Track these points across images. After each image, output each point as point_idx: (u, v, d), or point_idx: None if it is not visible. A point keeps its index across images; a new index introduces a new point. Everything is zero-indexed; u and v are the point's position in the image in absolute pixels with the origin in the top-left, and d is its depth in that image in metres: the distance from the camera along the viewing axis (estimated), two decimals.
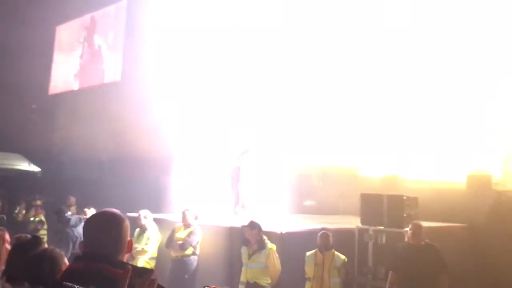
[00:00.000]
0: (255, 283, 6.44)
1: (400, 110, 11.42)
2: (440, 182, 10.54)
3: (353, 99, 11.99)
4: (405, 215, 7.34)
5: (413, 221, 6.57)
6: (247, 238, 6.62)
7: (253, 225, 6.63)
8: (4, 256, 2.95)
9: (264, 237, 6.59)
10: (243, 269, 6.60)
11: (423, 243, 6.21)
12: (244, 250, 6.63)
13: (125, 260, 2.12)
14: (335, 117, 12.02)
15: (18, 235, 2.88)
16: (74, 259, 2.12)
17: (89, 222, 2.18)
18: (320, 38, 12.29)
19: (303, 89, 12.29)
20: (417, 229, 6.26)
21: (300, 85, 12.33)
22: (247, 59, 12.71)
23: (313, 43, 12.33)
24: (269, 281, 6.47)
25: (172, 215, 8.95)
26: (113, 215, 2.18)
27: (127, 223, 2.20)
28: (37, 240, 2.72)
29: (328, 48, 12.23)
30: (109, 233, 2.10)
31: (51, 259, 2.38)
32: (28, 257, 2.39)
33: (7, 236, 3.04)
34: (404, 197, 7.55)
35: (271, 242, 6.63)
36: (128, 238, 2.17)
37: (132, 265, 2.05)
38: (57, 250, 2.41)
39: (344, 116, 11.96)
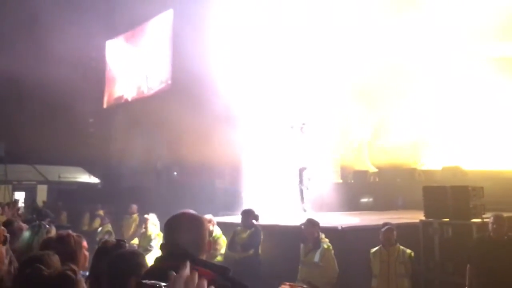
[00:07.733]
0: (309, 282, 6.29)
1: (458, 100, 11.10)
2: (504, 171, 10.11)
3: (412, 91, 11.75)
4: (471, 206, 7.04)
5: (495, 213, 6.01)
6: (305, 236, 6.54)
7: (313, 222, 6.54)
8: (83, 261, 3.07)
9: (322, 235, 6.45)
10: (299, 267, 6.52)
11: (505, 237, 5.74)
12: (302, 248, 6.55)
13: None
14: (392, 110, 11.80)
15: (104, 240, 2.99)
16: (156, 259, 2.16)
17: (170, 223, 2.18)
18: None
19: (366, 85, 12.14)
20: (500, 221, 5.76)
21: (362, 84, 12.19)
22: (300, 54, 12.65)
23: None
24: (325, 281, 6.29)
25: (232, 218, 9.00)
26: (194, 216, 2.20)
27: (207, 224, 2.23)
28: (121, 243, 2.80)
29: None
30: (191, 233, 2.13)
31: (132, 258, 2.44)
32: (111, 257, 2.45)
33: (84, 243, 3.16)
34: (469, 188, 7.25)
35: (331, 238, 6.48)
36: (208, 239, 2.20)
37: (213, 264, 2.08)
38: (138, 250, 2.47)
39: (402, 109, 11.72)
